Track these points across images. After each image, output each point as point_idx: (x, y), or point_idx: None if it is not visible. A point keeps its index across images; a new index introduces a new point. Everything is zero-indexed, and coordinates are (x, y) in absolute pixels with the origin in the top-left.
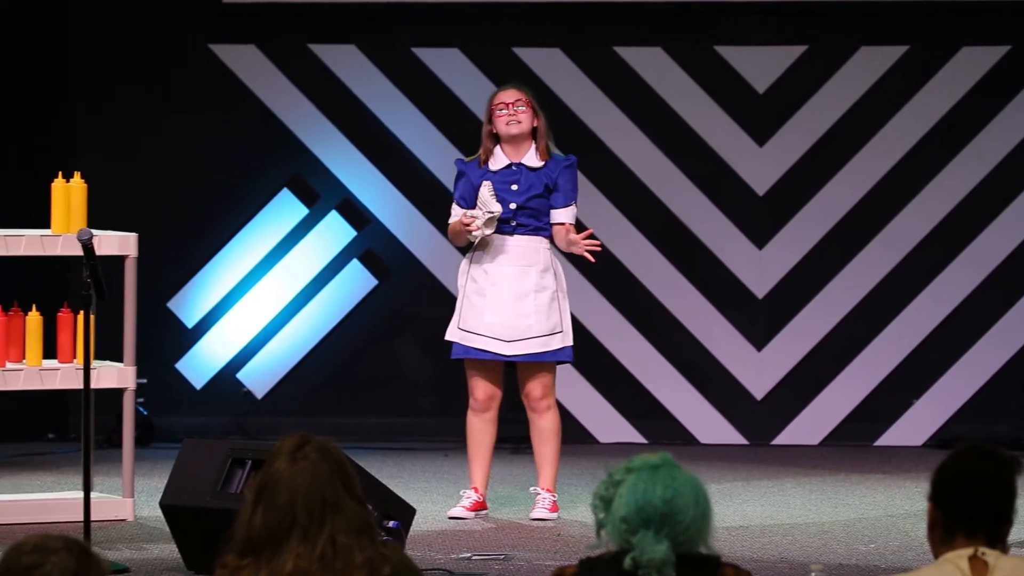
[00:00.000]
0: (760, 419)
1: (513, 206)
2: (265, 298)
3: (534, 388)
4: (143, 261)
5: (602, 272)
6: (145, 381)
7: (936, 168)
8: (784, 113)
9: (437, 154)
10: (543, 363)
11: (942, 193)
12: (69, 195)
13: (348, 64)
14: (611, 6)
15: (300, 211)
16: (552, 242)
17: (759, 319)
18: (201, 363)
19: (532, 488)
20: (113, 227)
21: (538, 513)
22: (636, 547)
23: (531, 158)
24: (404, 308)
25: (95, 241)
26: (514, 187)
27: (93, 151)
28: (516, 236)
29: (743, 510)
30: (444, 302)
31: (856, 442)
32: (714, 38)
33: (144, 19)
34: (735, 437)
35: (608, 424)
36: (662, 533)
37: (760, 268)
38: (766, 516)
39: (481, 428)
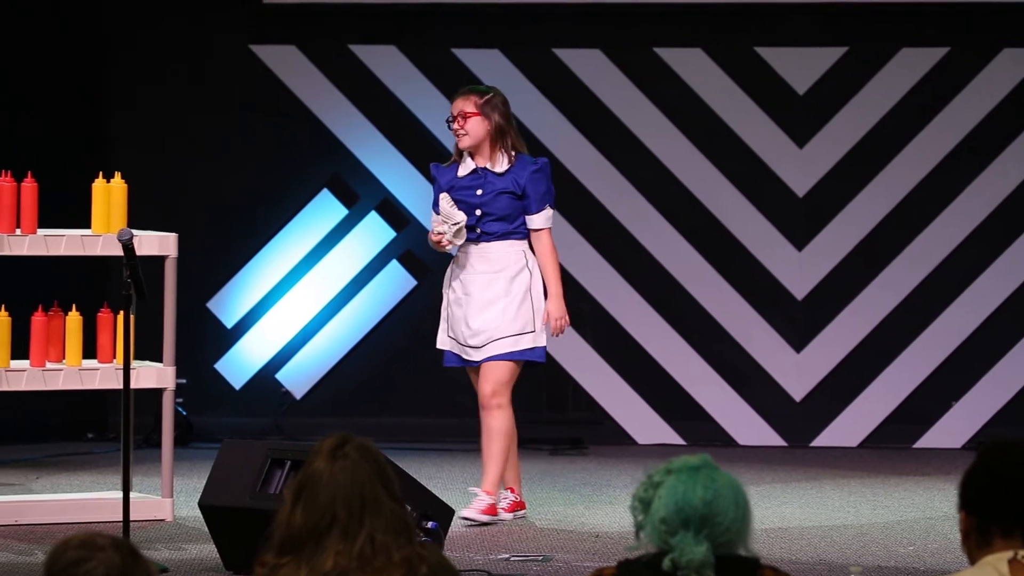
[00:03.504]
0: (799, 421)
1: (479, 212)
2: (304, 298)
3: (484, 385)
4: (183, 261)
5: (641, 273)
6: (184, 381)
7: (976, 170)
8: (824, 115)
9: None
10: (499, 363)
11: (982, 195)
12: (109, 195)
13: (388, 65)
14: (651, 7)
15: (340, 211)
16: (529, 244)
17: (798, 321)
18: (240, 363)
19: (471, 488)
20: (153, 227)
21: (466, 512)
22: (675, 549)
23: (495, 163)
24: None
25: (135, 241)
26: (479, 192)
27: (133, 151)
28: (483, 242)
29: (782, 512)
30: None
31: (895, 444)
32: (754, 39)
33: (184, 20)
34: (774, 439)
35: (647, 426)
36: (701, 535)
37: (799, 270)
38: (805, 518)
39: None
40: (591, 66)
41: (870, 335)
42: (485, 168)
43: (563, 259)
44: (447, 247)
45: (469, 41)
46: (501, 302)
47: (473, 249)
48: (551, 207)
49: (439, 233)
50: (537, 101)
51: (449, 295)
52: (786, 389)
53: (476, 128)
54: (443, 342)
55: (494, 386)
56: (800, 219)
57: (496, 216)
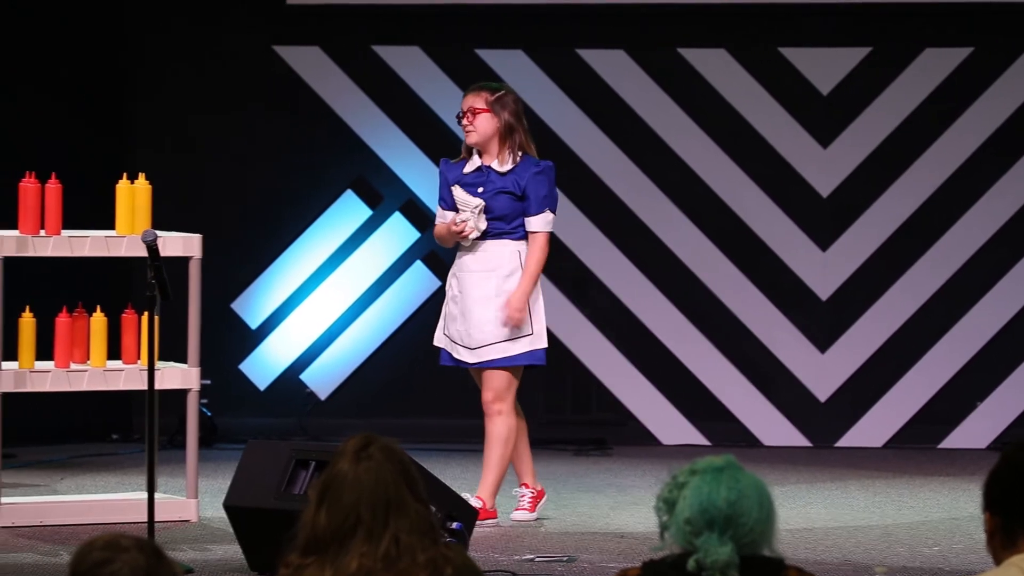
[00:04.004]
0: (824, 421)
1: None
2: (329, 299)
3: (485, 392)
4: (207, 262)
5: (665, 274)
6: (209, 382)
7: (1000, 171)
8: (848, 115)
9: None
10: (497, 369)
11: (1006, 196)
12: (133, 196)
13: (412, 65)
14: (675, 8)
15: (364, 212)
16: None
17: (823, 321)
18: (265, 364)
19: (465, 494)
20: (177, 228)
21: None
22: (700, 549)
23: (500, 162)
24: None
25: (159, 242)
26: (480, 189)
27: (157, 152)
28: (482, 240)
29: (807, 512)
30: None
31: (920, 444)
32: (778, 40)
33: (208, 21)
34: (799, 439)
35: (671, 426)
36: (726, 535)
37: (824, 270)
38: (830, 518)
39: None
40: (615, 67)
41: (895, 336)
42: (489, 167)
43: (587, 259)
44: (471, 234)
45: (492, 41)
46: (493, 303)
47: (471, 247)
48: (551, 212)
49: (462, 221)
50: (560, 102)
51: (448, 292)
52: (811, 390)
53: (485, 125)
54: (439, 339)
55: (494, 393)
56: (824, 220)
57: (494, 215)
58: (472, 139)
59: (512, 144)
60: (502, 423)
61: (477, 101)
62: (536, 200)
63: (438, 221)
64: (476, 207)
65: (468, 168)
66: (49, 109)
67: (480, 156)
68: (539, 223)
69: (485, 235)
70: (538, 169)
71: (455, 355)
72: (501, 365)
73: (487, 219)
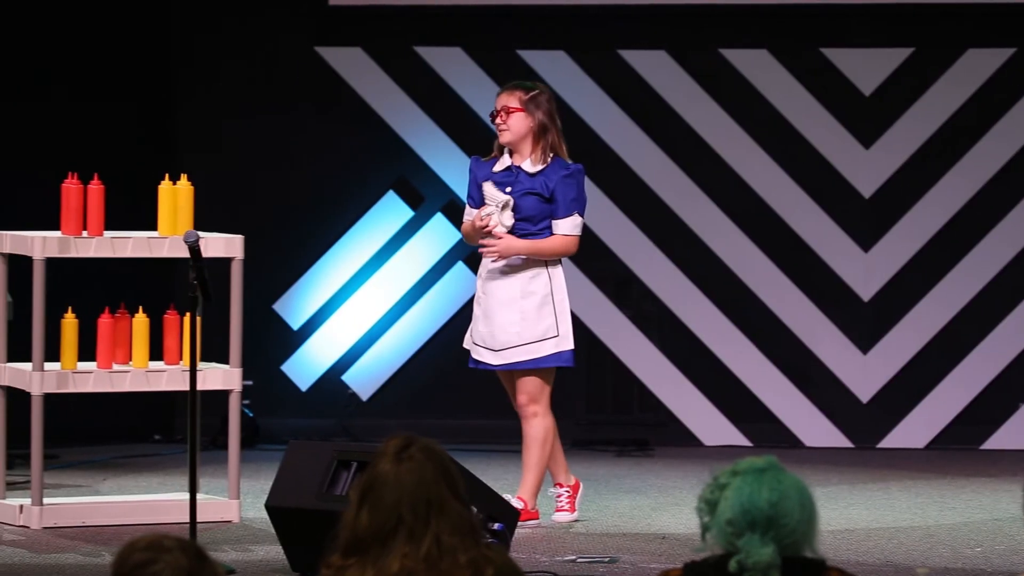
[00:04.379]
0: (866, 422)
1: None
2: (371, 300)
3: (519, 395)
4: (249, 263)
5: (707, 275)
6: (251, 383)
7: None
8: (890, 115)
9: None
10: (530, 370)
11: None
12: (176, 197)
13: (453, 66)
14: (717, 8)
15: (406, 213)
16: None
17: (865, 322)
18: (307, 365)
19: (506, 495)
20: (219, 229)
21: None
22: (741, 550)
23: (529, 162)
24: None
25: (201, 243)
26: (508, 189)
27: (199, 153)
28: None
29: (848, 513)
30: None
31: (962, 445)
32: (820, 40)
33: (250, 22)
34: (840, 440)
35: (713, 427)
36: (767, 536)
37: (866, 271)
38: (872, 519)
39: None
40: (656, 67)
41: (937, 336)
42: (519, 167)
43: (630, 262)
44: (495, 228)
45: (534, 42)
46: (517, 305)
47: None
48: (580, 215)
49: (487, 215)
50: (602, 103)
51: (476, 295)
52: (853, 390)
53: (518, 124)
54: (466, 342)
55: (528, 396)
56: (866, 220)
57: (521, 216)
58: (505, 138)
59: (545, 144)
60: (538, 424)
61: (511, 100)
62: (564, 203)
63: (465, 219)
64: (502, 203)
65: (498, 167)
66: (92, 109)
67: (511, 155)
68: (567, 226)
69: (511, 235)
70: (567, 172)
71: (478, 357)
72: (525, 368)
73: (514, 218)
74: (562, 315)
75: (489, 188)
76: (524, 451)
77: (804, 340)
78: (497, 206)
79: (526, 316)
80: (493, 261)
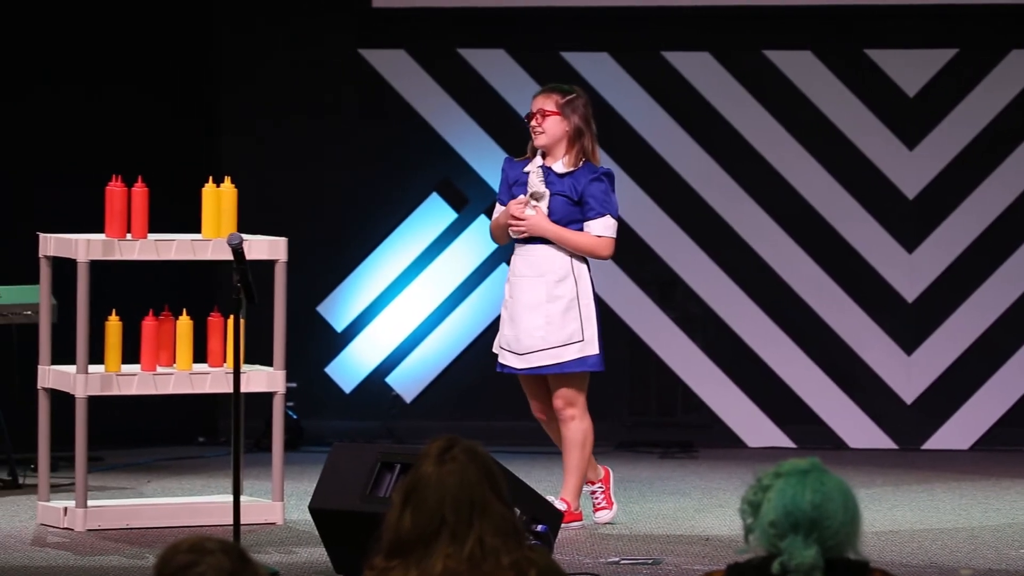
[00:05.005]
0: (910, 424)
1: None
2: (414, 302)
3: (556, 400)
4: (293, 265)
5: (751, 276)
6: (295, 385)
7: None
8: (934, 116)
9: None
10: (562, 374)
11: None
12: (219, 200)
13: (497, 68)
14: (760, 10)
15: (449, 215)
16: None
17: (909, 323)
18: (350, 367)
19: (549, 497)
20: (263, 231)
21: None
22: (784, 552)
23: (560, 164)
24: None
25: (245, 245)
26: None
27: (243, 155)
28: (533, 244)
29: (892, 515)
30: None
31: (1007, 447)
32: (864, 41)
33: (293, 25)
34: (884, 442)
35: (757, 429)
36: (811, 538)
37: (910, 272)
38: (916, 521)
39: (556, 438)
40: (700, 69)
41: (981, 337)
42: (549, 168)
43: (674, 264)
44: (527, 212)
45: (578, 44)
46: (543, 309)
47: (520, 251)
48: (613, 217)
49: (525, 196)
50: (645, 105)
51: (504, 299)
52: (897, 392)
53: (554, 128)
54: (495, 346)
55: (564, 400)
56: (910, 221)
57: (548, 217)
58: (540, 141)
59: (579, 148)
60: (576, 427)
61: (548, 103)
62: (595, 204)
63: (494, 218)
64: (541, 194)
65: (532, 167)
66: (137, 111)
67: (544, 157)
68: (598, 227)
69: (537, 239)
70: (594, 175)
71: (504, 361)
72: (550, 372)
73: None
74: (588, 320)
75: (534, 177)
76: (564, 454)
77: (848, 342)
78: (533, 193)
79: (551, 320)
80: (520, 236)
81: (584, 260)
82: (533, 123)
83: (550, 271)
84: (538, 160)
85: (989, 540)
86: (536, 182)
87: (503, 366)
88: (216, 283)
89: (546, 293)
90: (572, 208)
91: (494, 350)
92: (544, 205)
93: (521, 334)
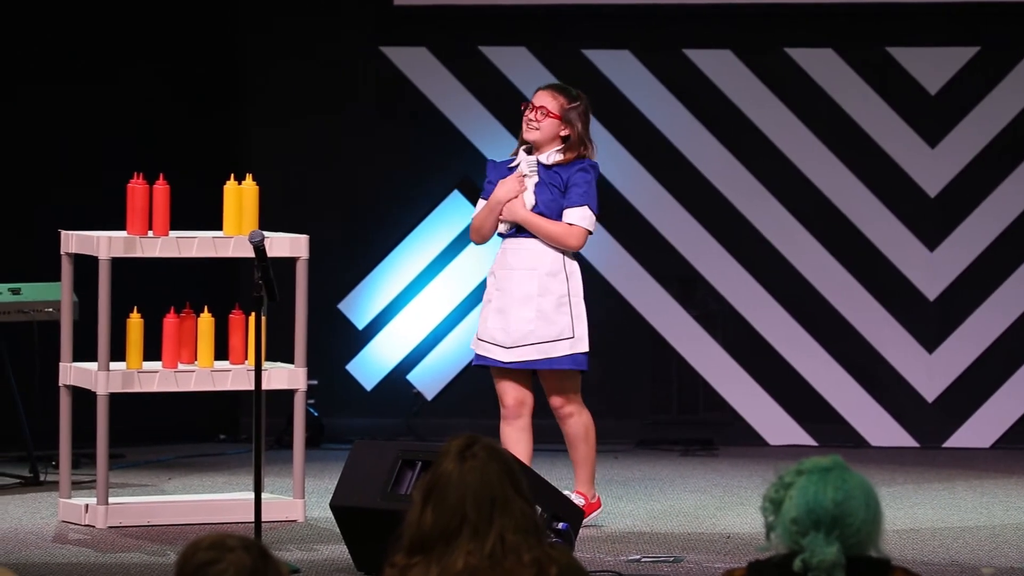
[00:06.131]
0: (931, 422)
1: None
2: (435, 299)
3: (553, 399)
4: (314, 263)
5: (773, 274)
6: (316, 382)
7: None
8: (956, 114)
9: (606, 156)
10: (557, 371)
11: None
12: (241, 197)
13: (519, 66)
14: (782, 8)
15: (470, 212)
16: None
17: (930, 321)
18: (371, 364)
19: (565, 491)
20: (284, 229)
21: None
22: (806, 549)
23: (545, 155)
24: None
25: (267, 243)
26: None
27: (264, 153)
28: (522, 238)
29: (914, 513)
30: (614, 302)
31: None
32: (885, 39)
33: (315, 22)
34: (906, 440)
35: (778, 427)
36: (832, 535)
37: (932, 270)
38: (937, 519)
39: (515, 438)
40: (722, 67)
41: (1003, 335)
42: (536, 159)
43: (695, 261)
44: (526, 180)
45: (599, 42)
46: (534, 303)
47: (510, 245)
48: (592, 210)
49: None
50: (667, 102)
51: (486, 293)
52: (918, 390)
53: (550, 129)
54: (473, 341)
55: (561, 398)
56: (932, 219)
57: (536, 210)
58: (531, 136)
59: (567, 148)
60: (576, 422)
61: (551, 103)
62: (576, 193)
63: (476, 212)
64: (529, 170)
65: (519, 161)
66: (159, 107)
67: (530, 152)
68: (574, 215)
69: (527, 232)
70: (581, 166)
71: (485, 353)
72: (538, 368)
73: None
74: (578, 317)
75: (525, 155)
76: (571, 450)
77: (869, 339)
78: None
79: (542, 314)
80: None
81: (575, 258)
82: (530, 116)
83: (541, 265)
84: (533, 159)
85: (1011, 538)
86: (531, 160)
87: (483, 358)
88: (237, 280)
89: (538, 286)
90: (560, 200)
91: (472, 346)
92: (528, 195)
93: (510, 326)
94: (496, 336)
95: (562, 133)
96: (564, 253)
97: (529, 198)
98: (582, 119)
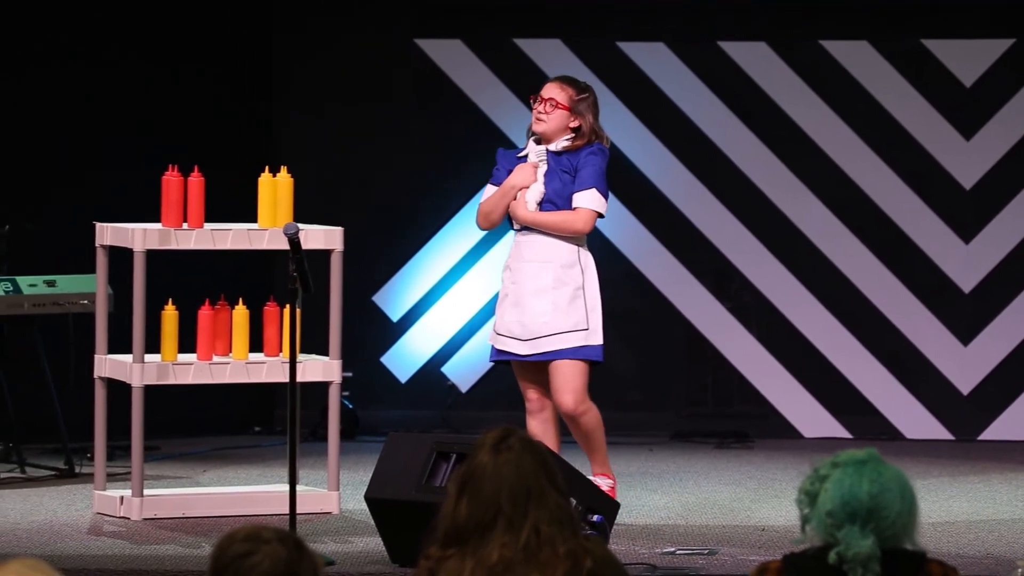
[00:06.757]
0: (966, 414)
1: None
2: (470, 291)
3: (565, 396)
4: (349, 255)
5: (808, 267)
6: (351, 375)
7: None
8: (991, 107)
9: (641, 148)
10: (568, 367)
11: None
12: (276, 189)
13: (553, 58)
14: (817, 0)
15: None
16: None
17: (965, 314)
18: (406, 357)
19: (588, 477)
20: (319, 221)
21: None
22: (841, 542)
23: (557, 144)
24: (608, 301)
25: (301, 235)
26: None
27: (299, 145)
28: (535, 231)
29: (949, 506)
30: (648, 295)
31: None
32: (920, 31)
33: (349, 15)
34: (941, 432)
35: (813, 419)
36: (867, 528)
37: (967, 263)
38: (972, 512)
39: (541, 430)
40: (757, 60)
41: None
42: (548, 151)
43: (730, 254)
44: (537, 165)
45: (634, 34)
46: (549, 295)
47: (527, 238)
48: (600, 192)
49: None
50: (702, 95)
51: (502, 287)
52: (953, 382)
53: (558, 120)
54: (490, 335)
55: (574, 395)
56: (967, 212)
57: (547, 198)
58: (540, 128)
59: (575, 138)
60: (590, 418)
61: (560, 95)
62: (584, 176)
63: (484, 198)
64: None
65: (528, 151)
66: (195, 100)
67: (539, 143)
68: (585, 199)
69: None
70: (591, 149)
71: (503, 347)
72: (555, 358)
73: (544, 203)
74: (593, 310)
75: (534, 145)
76: (584, 441)
77: (904, 332)
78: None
79: (558, 306)
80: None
81: (589, 251)
82: (540, 107)
83: (556, 257)
84: (541, 148)
85: None
86: (540, 150)
87: (502, 352)
88: (272, 273)
89: (553, 278)
90: (571, 185)
91: (489, 340)
92: (534, 198)
93: (527, 319)
94: (513, 329)
95: (572, 124)
96: (579, 245)
97: (539, 188)
98: (592, 110)
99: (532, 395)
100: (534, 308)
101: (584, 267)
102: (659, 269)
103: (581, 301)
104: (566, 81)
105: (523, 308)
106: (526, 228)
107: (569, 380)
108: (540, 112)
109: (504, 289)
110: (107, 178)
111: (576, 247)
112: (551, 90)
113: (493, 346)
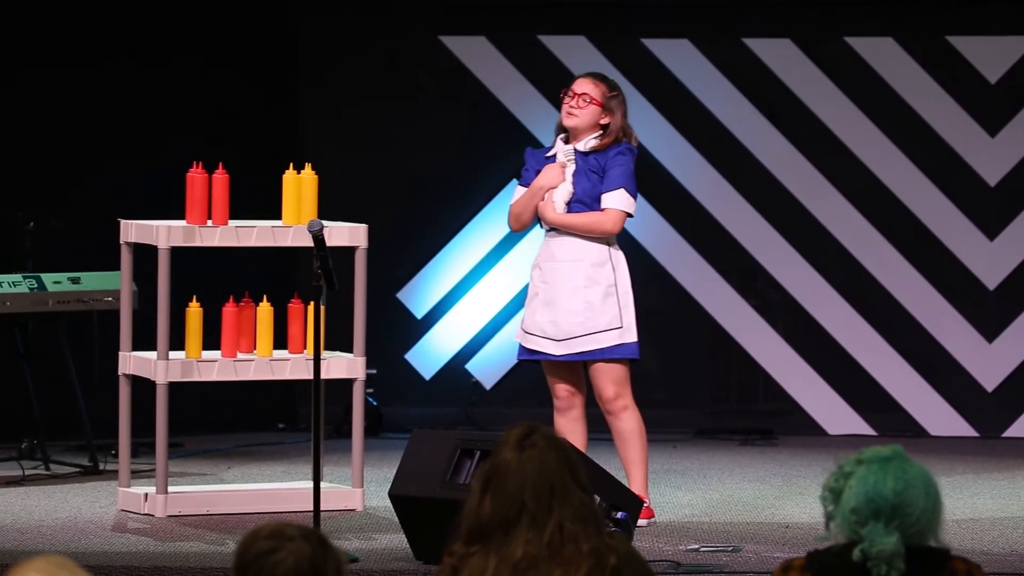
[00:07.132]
0: (991, 411)
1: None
2: (494, 289)
3: (604, 389)
4: (373, 252)
5: (832, 263)
6: (375, 372)
7: None
8: (1016, 103)
9: (666, 145)
10: (608, 363)
11: None
12: (300, 186)
13: (578, 55)
14: None
15: None
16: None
17: (990, 310)
18: (430, 354)
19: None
20: (343, 218)
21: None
22: (865, 539)
23: (585, 143)
24: (634, 299)
25: (326, 232)
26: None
27: (323, 142)
28: (567, 232)
29: (973, 503)
30: (674, 292)
31: None
32: (945, 28)
33: (375, 10)
34: (966, 429)
35: (838, 416)
36: (892, 525)
37: (991, 259)
38: (997, 509)
39: (569, 428)
40: (783, 57)
41: None
42: (576, 150)
43: (754, 251)
44: (566, 166)
45: (659, 31)
46: (582, 294)
47: (556, 236)
48: (628, 192)
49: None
50: (727, 91)
51: (531, 286)
52: (978, 379)
53: (589, 115)
54: (518, 334)
55: (615, 389)
56: (992, 208)
57: (576, 198)
58: (571, 122)
59: (603, 135)
60: (630, 417)
61: (594, 91)
62: (612, 176)
63: (515, 199)
64: (566, 160)
65: (556, 150)
66: (220, 98)
67: (566, 142)
68: (613, 199)
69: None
70: (619, 149)
71: (534, 347)
72: (591, 359)
73: (573, 202)
74: (626, 307)
75: (562, 145)
76: (624, 447)
77: (929, 329)
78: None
79: (591, 305)
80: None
81: (620, 248)
82: (571, 102)
83: (587, 256)
84: (569, 148)
85: None
86: (568, 150)
87: (533, 352)
88: (296, 270)
89: (584, 277)
90: (599, 185)
91: (516, 338)
92: (562, 198)
93: (559, 319)
94: (546, 329)
95: (602, 121)
96: (609, 243)
97: (567, 188)
98: (621, 108)
99: (562, 393)
100: (567, 307)
101: (615, 265)
102: (684, 267)
103: (614, 299)
104: (599, 77)
105: (555, 307)
106: (555, 228)
107: (609, 376)
108: (572, 107)
109: (534, 288)
110: (132, 175)
111: (606, 246)
112: (584, 85)
113: (521, 345)
